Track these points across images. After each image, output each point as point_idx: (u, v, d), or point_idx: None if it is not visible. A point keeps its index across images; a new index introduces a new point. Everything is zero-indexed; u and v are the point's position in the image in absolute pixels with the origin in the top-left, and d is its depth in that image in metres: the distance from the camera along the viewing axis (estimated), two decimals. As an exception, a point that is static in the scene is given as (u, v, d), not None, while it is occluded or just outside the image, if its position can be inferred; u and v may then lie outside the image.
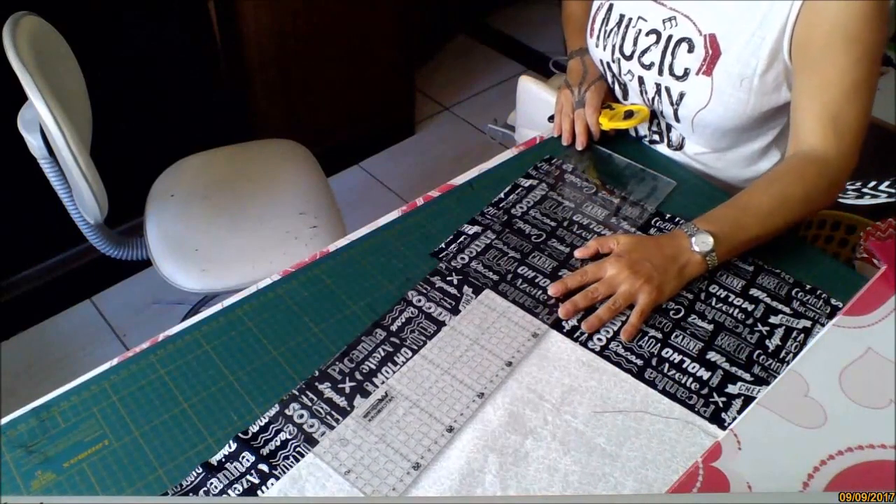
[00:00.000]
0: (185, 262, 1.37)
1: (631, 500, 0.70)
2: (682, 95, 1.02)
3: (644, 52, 1.04)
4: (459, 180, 1.05)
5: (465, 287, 0.89)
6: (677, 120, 1.05)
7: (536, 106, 1.39)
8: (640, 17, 1.04)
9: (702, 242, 0.88)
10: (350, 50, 2.10)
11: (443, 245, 0.95)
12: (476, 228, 0.97)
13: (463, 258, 0.93)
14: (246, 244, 1.40)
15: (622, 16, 1.06)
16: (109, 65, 1.68)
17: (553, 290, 0.88)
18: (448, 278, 0.91)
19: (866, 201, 1.42)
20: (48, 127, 1.12)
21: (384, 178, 2.34)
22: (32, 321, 1.89)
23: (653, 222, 0.98)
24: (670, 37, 1.01)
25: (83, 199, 1.25)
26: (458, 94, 2.69)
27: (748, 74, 0.96)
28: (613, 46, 1.07)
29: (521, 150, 1.11)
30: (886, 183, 1.43)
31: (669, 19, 1.01)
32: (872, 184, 1.43)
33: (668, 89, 1.03)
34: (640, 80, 1.06)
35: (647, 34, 1.03)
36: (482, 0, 3.01)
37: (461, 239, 0.96)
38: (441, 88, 2.69)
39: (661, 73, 1.03)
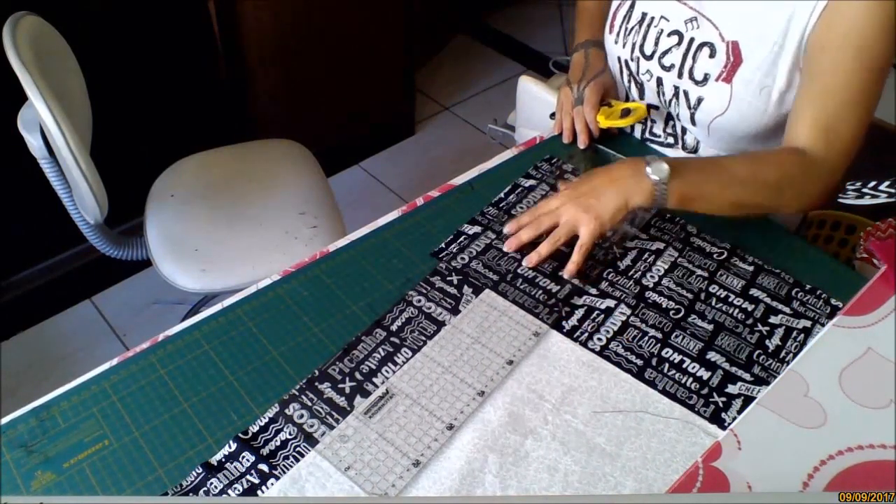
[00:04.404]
0: (185, 262, 1.37)
1: (631, 500, 0.70)
2: (699, 100, 1.00)
3: (665, 53, 1.02)
4: (459, 180, 1.05)
5: (465, 287, 0.89)
6: (693, 123, 1.04)
7: (536, 106, 1.39)
8: (662, 17, 1.03)
9: (657, 170, 0.87)
10: (350, 50, 2.10)
11: (443, 245, 0.95)
12: (476, 228, 0.97)
13: (463, 258, 0.93)
14: (246, 244, 1.40)
15: (644, 14, 1.05)
16: (109, 65, 1.68)
17: (507, 246, 0.92)
18: (448, 278, 0.90)
19: (866, 201, 1.42)
20: (48, 127, 1.12)
21: (384, 178, 2.34)
22: (32, 321, 1.89)
23: (653, 222, 0.98)
24: (692, 39, 0.99)
25: (83, 199, 1.25)
26: (458, 94, 2.69)
27: (768, 84, 0.95)
28: (633, 45, 1.06)
29: (521, 150, 1.11)
30: (886, 183, 1.43)
31: (691, 20, 0.99)
32: (872, 184, 1.43)
33: (686, 93, 1.02)
34: (659, 81, 1.05)
35: (669, 35, 1.02)
36: (482, 0, 3.01)
37: (461, 239, 0.96)
38: (441, 88, 2.69)
39: (680, 76, 1.01)
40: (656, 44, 1.03)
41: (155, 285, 1.80)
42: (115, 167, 1.41)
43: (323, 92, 2.12)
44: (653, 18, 1.04)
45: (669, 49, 1.02)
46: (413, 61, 2.37)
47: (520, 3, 3.06)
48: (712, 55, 0.98)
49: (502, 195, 1.02)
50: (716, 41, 0.97)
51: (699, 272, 0.92)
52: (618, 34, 1.08)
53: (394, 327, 0.85)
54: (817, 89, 0.91)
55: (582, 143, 1.09)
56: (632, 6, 1.07)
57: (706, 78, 0.99)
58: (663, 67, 1.03)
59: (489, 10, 3.03)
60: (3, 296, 1.81)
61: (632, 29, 1.06)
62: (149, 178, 1.53)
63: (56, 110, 1.11)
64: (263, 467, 0.72)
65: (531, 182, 1.04)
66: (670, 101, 1.05)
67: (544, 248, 0.90)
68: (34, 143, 1.21)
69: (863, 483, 0.66)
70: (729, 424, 0.75)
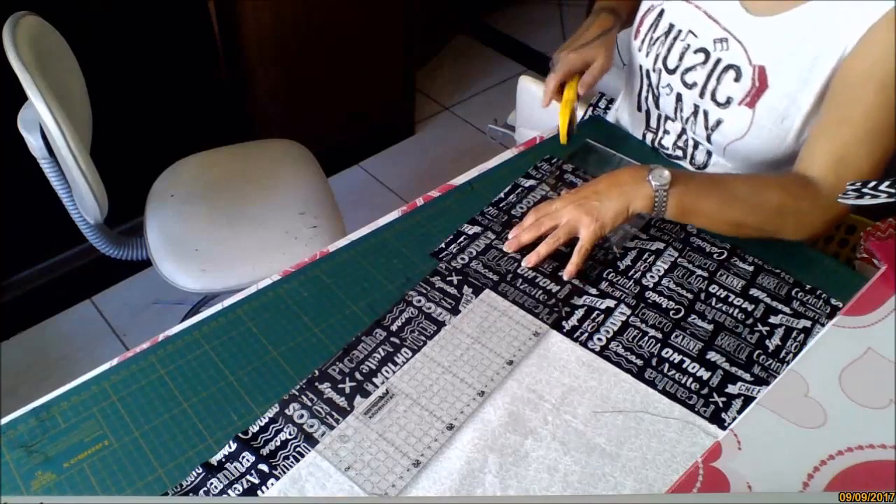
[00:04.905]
0: (185, 262, 1.37)
1: (631, 500, 0.70)
2: (718, 122, 0.98)
3: (688, 69, 1.00)
4: (459, 180, 1.05)
5: (465, 287, 0.89)
6: (709, 142, 1.02)
7: (536, 106, 1.39)
8: (690, 32, 1.00)
9: (658, 176, 0.87)
10: (350, 50, 2.10)
11: (443, 245, 0.95)
12: (476, 228, 0.97)
13: (463, 258, 0.93)
14: (246, 244, 1.40)
15: (672, 26, 1.02)
16: (109, 65, 1.68)
17: (507, 247, 0.93)
18: (448, 278, 0.90)
19: (866, 201, 1.42)
20: (48, 127, 1.12)
21: (384, 178, 2.35)
22: (32, 321, 1.89)
23: (653, 222, 0.98)
24: (719, 60, 0.97)
25: (83, 199, 1.25)
26: (458, 94, 2.69)
27: (791, 113, 0.93)
28: (657, 56, 1.03)
29: (521, 150, 1.11)
30: (886, 183, 1.42)
31: (721, 41, 0.97)
32: (872, 184, 1.43)
33: (706, 113, 1.00)
34: (678, 97, 1.03)
35: (696, 52, 0.99)
36: (482, 0, 3.01)
37: (461, 239, 0.96)
38: (441, 88, 2.69)
39: (702, 95, 0.99)
40: (681, 59, 1.01)
41: (155, 285, 1.80)
42: (115, 167, 1.41)
43: (323, 92, 2.12)
44: (680, 31, 1.01)
45: (694, 66, 0.99)
46: (413, 61, 2.37)
47: (520, 3, 3.07)
48: (737, 79, 0.96)
49: (502, 195, 1.02)
50: (743, 64, 0.95)
51: (699, 272, 0.92)
52: (643, 41, 1.05)
53: (394, 327, 0.85)
54: (835, 119, 0.89)
55: (542, 103, 1.07)
56: (660, 15, 1.03)
57: (729, 101, 0.97)
58: (685, 84, 1.01)
59: (489, 10, 3.03)
60: (3, 296, 1.81)
61: (657, 39, 1.03)
62: (149, 178, 1.53)
63: (56, 110, 1.11)
64: (263, 467, 0.72)
65: (531, 182, 1.04)
66: (688, 118, 1.03)
67: (543, 248, 0.90)
68: (34, 143, 1.21)
69: (863, 483, 0.66)
70: (729, 424, 0.75)
